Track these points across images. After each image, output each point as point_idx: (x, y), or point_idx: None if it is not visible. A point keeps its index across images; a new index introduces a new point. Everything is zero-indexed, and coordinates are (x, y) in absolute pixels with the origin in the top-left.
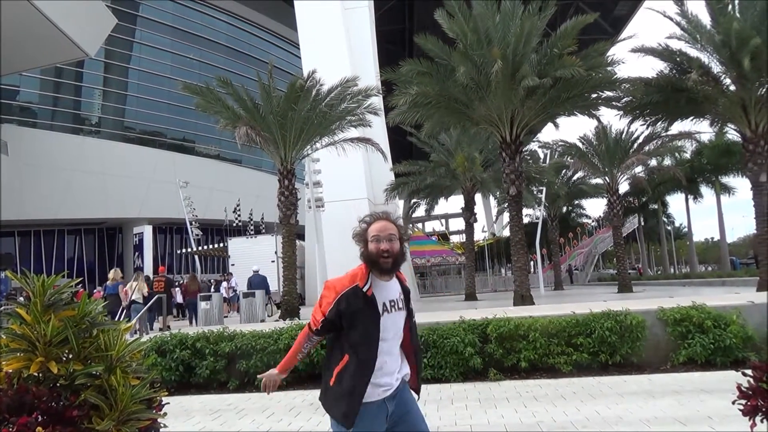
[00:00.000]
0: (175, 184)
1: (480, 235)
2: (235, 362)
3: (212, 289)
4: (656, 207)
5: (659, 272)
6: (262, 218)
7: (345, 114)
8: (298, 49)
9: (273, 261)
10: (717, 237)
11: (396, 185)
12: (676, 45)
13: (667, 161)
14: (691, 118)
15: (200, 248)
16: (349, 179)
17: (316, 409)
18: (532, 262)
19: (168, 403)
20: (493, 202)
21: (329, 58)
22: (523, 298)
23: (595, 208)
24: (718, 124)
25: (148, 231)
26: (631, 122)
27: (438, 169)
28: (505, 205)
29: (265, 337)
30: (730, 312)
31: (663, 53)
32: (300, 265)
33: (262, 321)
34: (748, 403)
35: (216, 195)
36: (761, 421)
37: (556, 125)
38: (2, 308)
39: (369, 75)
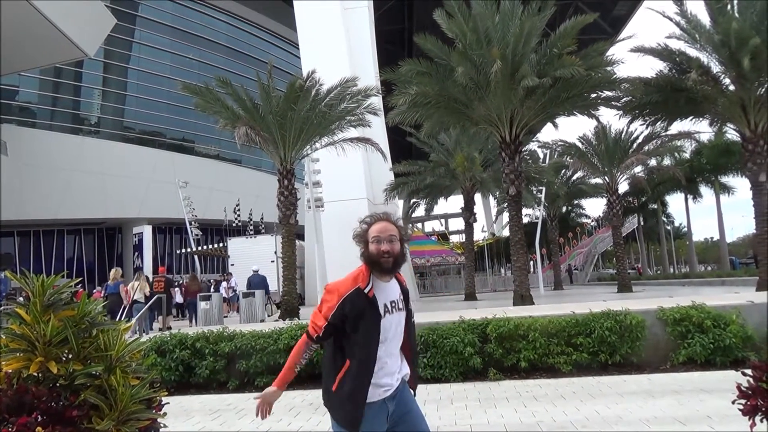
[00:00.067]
0: (174, 184)
1: (480, 235)
2: (234, 362)
3: (212, 289)
4: (656, 207)
5: (659, 272)
6: (262, 218)
7: (344, 114)
8: (298, 49)
9: (273, 261)
10: (716, 237)
11: (395, 185)
12: (676, 45)
13: (667, 161)
14: (691, 117)
15: (200, 248)
16: (348, 179)
17: (316, 409)
18: (531, 262)
19: (168, 403)
20: (492, 202)
21: (329, 58)
22: (523, 297)
23: (594, 207)
24: (717, 123)
25: (147, 231)
26: (630, 122)
27: (437, 169)
28: (505, 205)
29: (264, 337)
30: (729, 312)
31: (662, 53)
32: (300, 265)
33: (262, 321)
34: (748, 403)
35: (215, 195)
36: (761, 420)
37: (555, 125)
38: (2, 308)
39: (368, 75)
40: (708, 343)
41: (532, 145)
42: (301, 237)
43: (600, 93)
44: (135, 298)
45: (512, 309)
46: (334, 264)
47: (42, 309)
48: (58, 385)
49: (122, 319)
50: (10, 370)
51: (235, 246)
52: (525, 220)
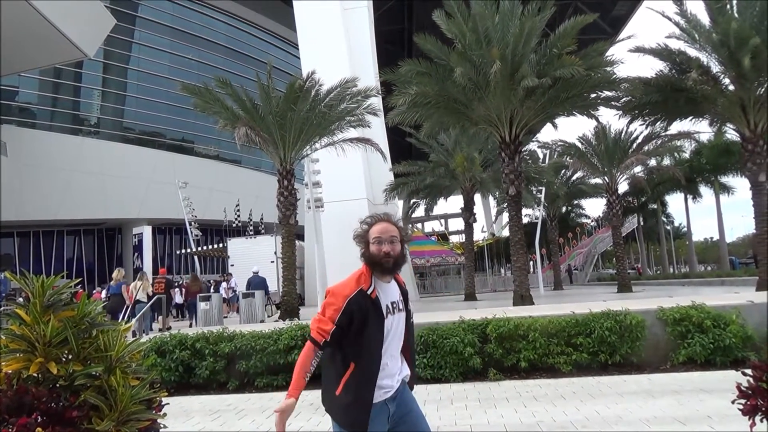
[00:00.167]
0: (174, 184)
1: (479, 235)
2: (234, 363)
3: (212, 290)
4: (655, 207)
5: (658, 272)
6: (262, 219)
7: (344, 114)
8: (297, 49)
9: (272, 261)
10: (716, 236)
11: (395, 185)
12: (675, 45)
13: (667, 161)
14: (690, 117)
15: (200, 249)
16: (348, 179)
17: (316, 409)
18: (531, 262)
19: (168, 403)
20: (492, 202)
21: (328, 59)
22: (523, 298)
23: (594, 207)
24: (717, 123)
25: (147, 231)
26: (630, 122)
27: (437, 169)
28: (505, 205)
29: (264, 337)
30: (729, 311)
31: (662, 53)
32: (299, 265)
33: (262, 321)
34: (748, 403)
35: (215, 195)
36: (761, 420)
37: (555, 125)
38: (2, 309)
39: (368, 75)
40: (708, 343)
41: (532, 145)
42: (301, 237)
43: (600, 93)
44: (138, 297)
45: (512, 309)
46: (334, 264)
47: (42, 310)
48: (58, 385)
49: (124, 319)
50: (10, 371)
51: (235, 246)
52: (525, 220)
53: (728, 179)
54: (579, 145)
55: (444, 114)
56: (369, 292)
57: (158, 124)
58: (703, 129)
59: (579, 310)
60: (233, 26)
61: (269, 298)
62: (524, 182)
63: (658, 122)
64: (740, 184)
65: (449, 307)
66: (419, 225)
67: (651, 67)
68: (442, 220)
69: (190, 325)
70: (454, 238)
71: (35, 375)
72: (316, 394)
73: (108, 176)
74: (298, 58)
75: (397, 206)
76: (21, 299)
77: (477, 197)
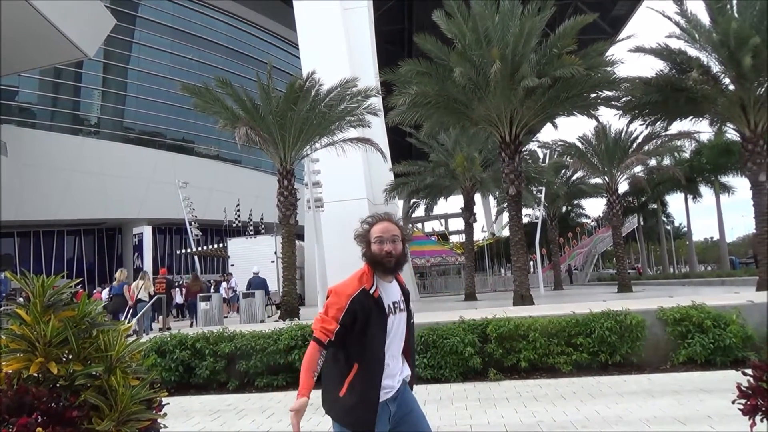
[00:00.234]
0: (174, 184)
1: (479, 235)
2: (234, 363)
3: (212, 290)
4: (655, 207)
5: (659, 272)
6: (262, 219)
7: (344, 114)
8: (297, 49)
9: (272, 261)
10: (716, 236)
11: (395, 185)
12: (675, 45)
13: (667, 161)
14: (691, 117)
15: (200, 249)
16: (348, 179)
17: (316, 409)
18: (531, 262)
19: (168, 403)
20: (492, 202)
21: (328, 59)
22: (523, 298)
23: (594, 207)
24: (717, 123)
25: (147, 231)
26: (630, 122)
27: (437, 169)
28: (505, 205)
29: (264, 337)
30: (729, 311)
31: (662, 53)
32: (300, 265)
33: (262, 321)
34: (748, 403)
35: (215, 195)
36: (761, 420)
37: (555, 125)
38: (2, 309)
39: (368, 75)
40: (708, 343)
41: (532, 145)
42: (301, 237)
43: (600, 93)
44: (139, 297)
45: (512, 309)
46: (334, 264)
47: (42, 309)
48: (58, 385)
49: (126, 319)
50: (11, 371)
51: (235, 246)
52: (525, 220)
53: (728, 179)
54: (579, 144)
55: (444, 114)
56: (372, 292)
57: (158, 124)
58: (703, 129)
59: (579, 310)
60: (233, 26)
61: (269, 299)
62: (524, 182)
63: (658, 122)
64: (740, 184)
65: (449, 307)
66: (419, 225)
67: (651, 67)
68: (442, 220)
69: (191, 325)
70: (454, 238)
71: (35, 375)
72: (315, 394)
73: (108, 176)
74: (298, 58)
75: (397, 206)
76: (21, 299)
77: (477, 197)
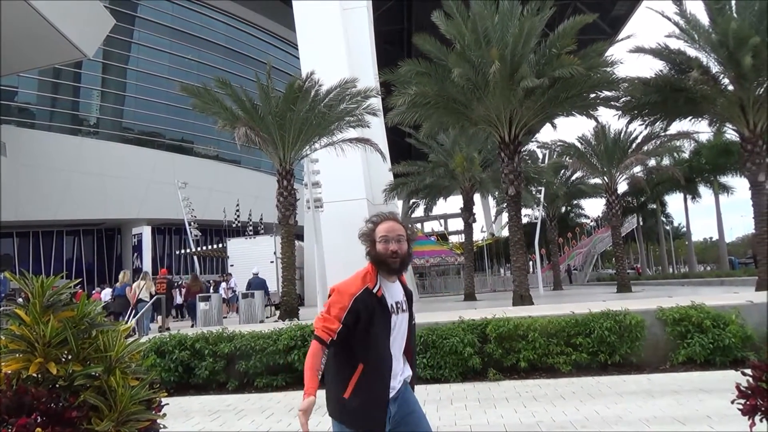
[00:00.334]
0: (173, 184)
1: (479, 235)
2: (234, 363)
3: (211, 290)
4: (655, 207)
5: (658, 272)
6: (261, 219)
7: (344, 115)
8: (297, 49)
9: (272, 262)
10: (716, 237)
11: (395, 186)
12: (675, 45)
13: (666, 161)
14: (690, 117)
15: (199, 249)
16: (348, 180)
17: (316, 409)
18: (531, 262)
19: (167, 404)
20: (491, 202)
21: (328, 59)
22: (522, 298)
23: (593, 207)
24: (716, 123)
25: (147, 232)
26: (629, 122)
27: (437, 169)
28: (504, 205)
29: (264, 337)
30: (729, 311)
31: (661, 53)
32: (299, 265)
33: (261, 322)
34: (747, 403)
35: (215, 195)
36: (760, 420)
37: (554, 126)
38: (1, 309)
39: (368, 75)
40: (707, 343)
41: (532, 146)
42: (301, 237)
43: (599, 93)
44: (140, 297)
45: (512, 309)
46: (334, 264)
47: (41, 310)
48: (57, 386)
49: (130, 319)
50: (10, 371)
51: (235, 247)
52: (524, 220)
53: (727, 179)
54: (578, 145)
55: (443, 114)
56: (375, 291)
57: (158, 124)
58: (702, 129)
59: (578, 310)
60: (233, 26)
61: (269, 299)
62: (524, 182)
63: (658, 122)
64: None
65: (449, 307)
66: (419, 225)
67: (650, 67)
68: (442, 220)
69: (192, 326)
70: (454, 238)
71: (35, 375)
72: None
73: (107, 176)
74: (298, 58)
75: (397, 206)
76: (21, 299)
77: (476, 197)
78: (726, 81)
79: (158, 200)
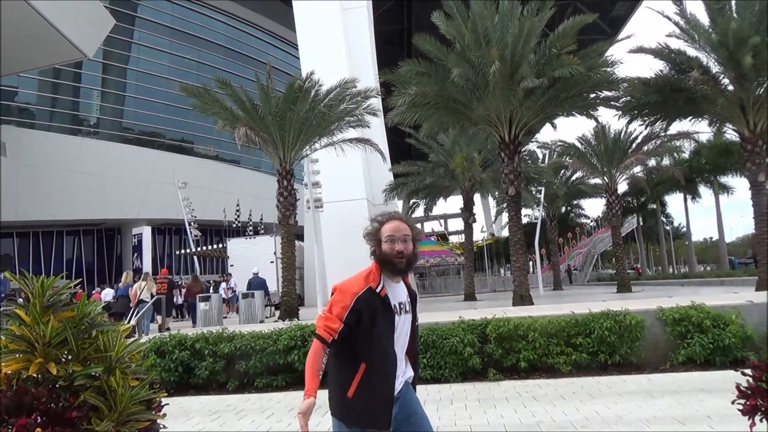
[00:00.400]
0: (173, 184)
1: (479, 235)
2: (234, 363)
3: (211, 290)
4: (655, 207)
5: (658, 272)
6: (261, 219)
7: (344, 115)
8: (297, 49)
9: (272, 262)
10: (716, 237)
11: (395, 186)
12: (675, 45)
13: (666, 161)
14: (690, 118)
15: (199, 249)
16: (348, 180)
17: (316, 409)
18: (531, 263)
19: (167, 404)
20: (492, 202)
21: (328, 59)
22: (522, 298)
23: (593, 208)
24: (716, 123)
25: (146, 232)
26: (629, 122)
27: (437, 169)
28: (504, 205)
29: (264, 337)
30: (729, 311)
31: (661, 53)
32: (299, 265)
33: (261, 322)
34: (747, 403)
35: (215, 196)
36: (760, 420)
37: (554, 126)
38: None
39: (367, 75)
40: (707, 343)
41: (532, 146)
42: (301, 237)
43: (599, 93)
44: (141, 297)
45: (512, 309)
46: (334, 264)
47: (41, 310)
48: (57, 386)
49: (131, 319)
50: (10, 371)
51: (235, 247)
52: (524, 220)
53: (727, 179)
54: (578, 145)
55: (443, 114)
56: (378, 290)
57: (157, 124)
58: (702, 129)
59: (578, 310)
60: (233, 26)
61: (269, 299)
62: (524, 182)
63: (658, 122)
64: (739, 184)
65: (449, 307)
66: (419, 225)
67: (650, 68)
68: (442, 221)
69: (193, 326)
70: (454, 239)
71: (35, 375)
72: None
73: (107, 176)
74: (298, 58)
75: (397, 206)
76: (21, 300)
77: (476, 197)
78: (726, 81)
79: (158, 200)
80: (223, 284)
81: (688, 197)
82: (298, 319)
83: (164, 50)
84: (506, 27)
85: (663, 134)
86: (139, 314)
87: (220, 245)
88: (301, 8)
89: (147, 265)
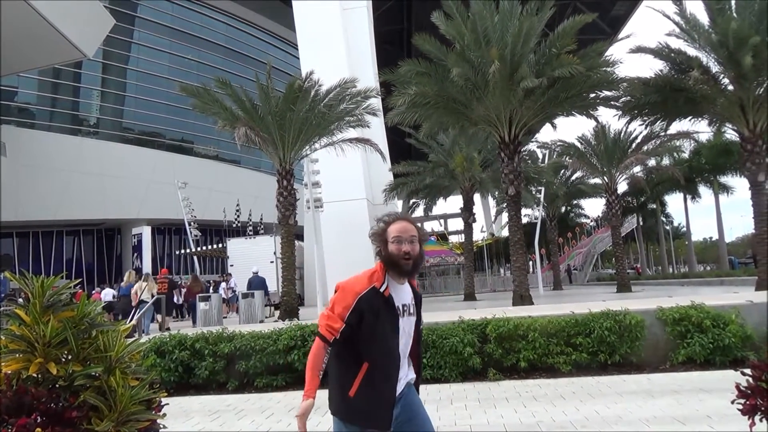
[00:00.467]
0: (173, 184)
1: (479, 235)
2: (234, 363)
3: (211, 290)
4: (655, 207)
5: (658, 272)
6: (261, 219)
7: (344, 115)
8: (297, 49)
9: (272, 262)
10: (715, 236)
11: (395, 186)
12: (675, 44)
13: (666, 161)
14: (690, 117)
15: (199, 249)
16: (347, 180)
17: (316, 409)
18: (531, 262)
19: (167, 404)
20: (491, 202)
21: (328, 59)
22: (522, 298)
23: (593, 207)
24: (716, 123)
25: (146, 232)
26: (629, 122)
27: (437, 169)
28: (504, 205)
29: (264, 337)
30: (728, 311)
31: (662, 53)
32: (299, 265)
33: (261, 322)
34: (747, 403)
35: (215, 196)
36: (760, 420)
37: (554, 126)
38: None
39: (367, 75)
40: (707, 342)
41: (531, 146)
42: (301, 237)
43: (599, 93)
44: (142, 298)
45: (511, 309)
46: (334, 264)
47: (41, 310)
48: (57, 386)
49: (131, 319)
50: (10, 371)
51: (235, 247)
52: (524, 220)
53: (727, 179)
54: (578, 145)
55: (443, 114)
56: (382, 290)
57: (157, 124)
58: (702, 129)
59: (578, 310)
60: (233, 26)
61: (268, 299)
62: (523, 182)
63: (657, 122)
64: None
65: (449, 307)
66: (418, 225)
67: (650, 67)
68: (442, 220)
69: (194, 326)
70: (454, 238)
71: (35, 375)
72: (317, 393)
73: (107, 176)
74: (298, 58)
75: (397, 206)
76: (21, 299)
77: (476, 197)
78: (726, 81)
79: (158, 200)
80: (223, 284)
81: (688, 197)
82: (298, 319)
83: (164, 50)
84: (506, 27)
85: (663, 134)
86: (139, 313)
87: (220, 245)
88: (301, 8)
89: (147, 265)
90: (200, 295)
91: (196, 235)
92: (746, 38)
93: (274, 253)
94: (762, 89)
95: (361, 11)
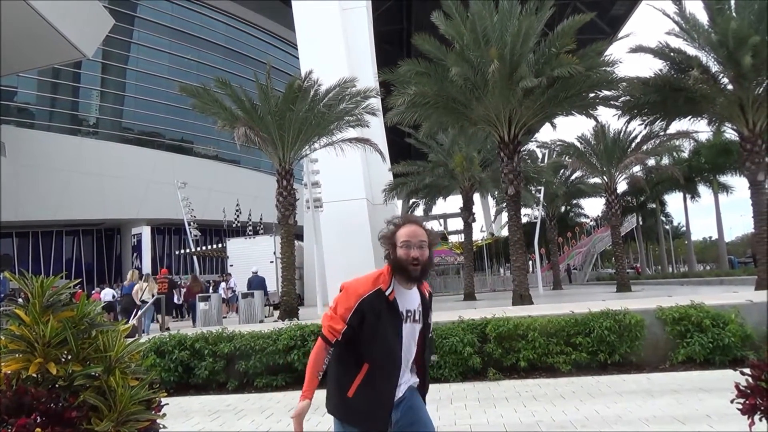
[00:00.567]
0: (173, 184)
1: (478, 234)
2: (234, 363)
3: (211, 290)
4: (654, 206)
5: (658, 271)
6: (261, 219)
7: (343, 114)
8: (296, 49)
9: (271, 261)
10: (715, 236)
11: (394, 185)
12: (674, 44)
13: (665, 160)
14: (689, 117)
15: (199, 249)
16: (347, 180)
17: (316, 409)
18: (530, 262)
19: (167, 404)
20: (491, 201)
21: (327, 59)
22: (522, 297)
23: (593, 207)
24: (715, 123)
25: (146, 232)
26: (628, 122)
27: (436, 169)
28: (504, 204)
29: (264, 337)
30: (728, 311)
31: (661, 52)
32: (299, 265)
33: (261, 321)
34: (747, 402)
35: (214, 195)
36: (760, 419)
37: (554, 125)
38: (1, 309)
39: (367, 75)
40: (707, 342)
41: (531, 145)
42: (300, 237)
43: (598, 93)
44: (143, 298)
45: (511, 309)
46: (333, 264)
47: (41, 310)
48: (57, 386)
49: (132, 319)
50: (9, 372)
51: (234, 246)
52: (524, 219)
53: (727, 178)
54: (578, 144)
55: (443, 114)
56: (387, 294)
57: (157, 124)
58: (701, 128)
59: (578, 310)
60: (232, 26)
61: (268, 299)
62: (523, 182)
63: (657, 122)
64: (739, 184)
65: (448, 306)
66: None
67: (650, 67)
68: (441, 220)
69: (194, 326)
70: (453, 238)
71: (34, 375)
72: (315, 394)
73: (107, 176)
74: (297, 58)
75: (397, 206)
76: (20, 300)
77: (476, 197)
78: (725, 80)
79: (158, 200)
80: (223, 284)
81: (688, 196)
82: (298, 319)
83: (164, 50)
84: (505, 26)
85: (662, 134)
86: (139, 313)
87: (220, 245)
88: (301, 8)
89: (146, 265)
90: (200, 295)
91: (195, 235)
92: (746, 38)
93: (274, 253)
94: (761, 89)
95: (361, 11)
